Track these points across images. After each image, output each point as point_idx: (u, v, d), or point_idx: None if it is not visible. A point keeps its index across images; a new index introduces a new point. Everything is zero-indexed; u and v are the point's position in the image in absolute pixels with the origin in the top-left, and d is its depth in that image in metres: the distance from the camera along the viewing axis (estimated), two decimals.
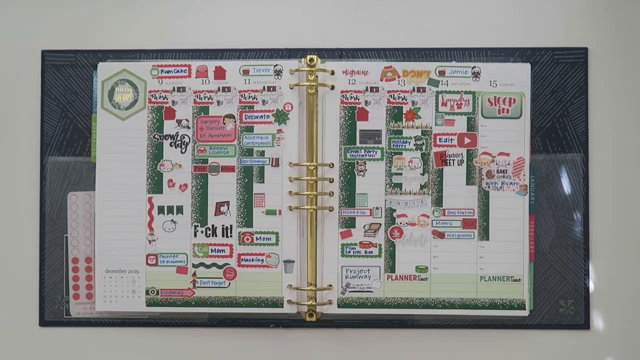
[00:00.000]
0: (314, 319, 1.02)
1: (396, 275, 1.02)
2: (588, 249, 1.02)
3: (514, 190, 1.01)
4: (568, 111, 1.03)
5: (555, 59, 1.03)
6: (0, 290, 1.05)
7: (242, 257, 1.02)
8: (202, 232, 1.02)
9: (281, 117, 1.02)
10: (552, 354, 1.03)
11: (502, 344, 1.02)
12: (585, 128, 1.03)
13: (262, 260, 1.02)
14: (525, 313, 1.01)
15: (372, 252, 1.02)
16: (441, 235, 1.01)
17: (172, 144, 1.03)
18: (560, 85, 1.03)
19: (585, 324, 1.02)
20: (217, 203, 1.02)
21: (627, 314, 1.03)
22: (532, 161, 1.02)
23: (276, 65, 1.02)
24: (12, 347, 1.05)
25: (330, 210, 1.01)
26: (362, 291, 1.02)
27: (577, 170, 1.03)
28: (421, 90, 1.02)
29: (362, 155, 1.02)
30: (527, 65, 1.02)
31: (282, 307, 1.01)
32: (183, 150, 1.03)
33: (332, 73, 1.02)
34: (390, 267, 1.02)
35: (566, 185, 1.02)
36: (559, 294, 1.02)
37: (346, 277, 1.02)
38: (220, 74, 1.03)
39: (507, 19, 1.05)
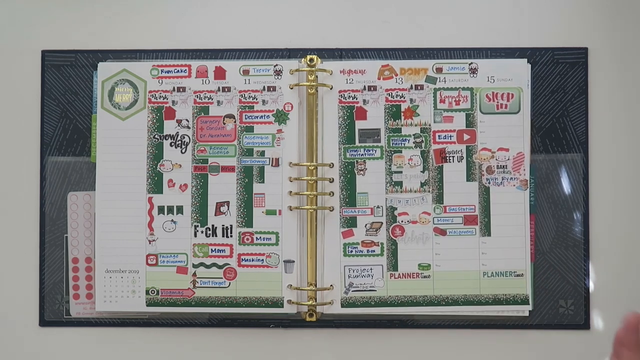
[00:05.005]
0: (314, 319, 1.02)
1: (399, 274, 1.01)
2: (588, 249, 1.02)
3: (514, 185, 1.01)
4: (568, 111, 1.03)
5: (555, 59, 1.03)
6: (0, 290, 1.05)
7: (242, 257, 1.02)
8: (202, 232, 1.02)
9: (281, 117, 1.02)
10: (552, 354, 1.03)
11: (501, 344, 1.02)
12: (585, 128, 1.03)
13: (262, 260, 1.02)
14: (529, 308, 1.01)
15: (374, 251, 1.02)
16: (443, 233, 1.01)
17: (172, 144, 1.03)
18: (560, 85, 1.03)
19: (585, 324, 1.02)
20: (217, 203, 1.02)
21: None
22: (532, 161, 1.02)
23: (276, 65, 1.03)
24: (12, 347, 1.04)
25: (331, 210, 1.01)
26: (365, 290, 1.02)
27: (577, 170, 1.03)
28: (419, 87, 1.02)
29: (362, 155, 1.02)
30: (524, 61, 1.02)
31: (282, 307, 1.01)
32: (183, 150, 1.03)
33: (331, 73, 1.02)
34: (393, 266, 1.02)
35: (566, 185, 1.02)
36: (559, 294, 1.02)
37: (349, 277, 1.02)
38: (220, 74, 1.03)
39: (506, 19, 1.05)
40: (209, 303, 1.02)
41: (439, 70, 1.02)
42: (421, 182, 1.02)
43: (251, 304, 1.02)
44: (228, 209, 1.02)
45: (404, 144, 1.02)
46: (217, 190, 1.02)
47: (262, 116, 1.02)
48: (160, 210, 1.03)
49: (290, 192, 1.02)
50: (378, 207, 1.02)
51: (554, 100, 1.03)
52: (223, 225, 1.02)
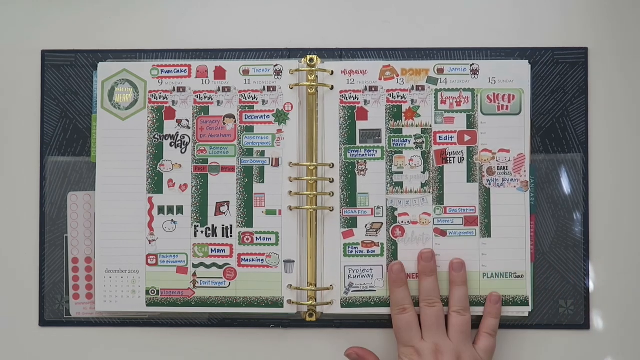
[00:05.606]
0: (314, 319, 1.02)
1: None
2: (588, 249, 1.02)
3: (515, 186, 1.01)
4: (568, 111, 1.03)
5: (555, 59, 1.03)
6: (0, 290, 1.05)
7: (242, 257, 1.02)
8: (202, 232, 1.02)
9: (281, 117, 1.02)
10: (552, 354, 1.03)
11: (501, 344, 1.02)
12: (585, 128, 1.03)
13: (262, 260, 1.02)
14: (528, 309, 1.01)
15: (374, 252, 1.02)
16: (443, 233, 1.01)
17: (172, 144, 1.03)
18: (560, 85, 1.03)
19: (585, 324, 1.02)
20: (217, 203, 1.02)
21: (627, 314, 1.03)
22: (532, 161, 1.02)
23: (276, 65, 1.02)
24: (12, 347, 1.04)
25: (331, 211, 1.01)
26: (365, 290, 1.02)
27: (577, 170, 1.03)
28: (420, 88, 1.02)
29: (363, 155, 1.02)
30: (526, 62, 1.02)
31: (282, 307, 1.01)
32: (183, 150, 1.02)
33: (332, 73, 1.02)
34: None
35: (566, 185, 1.02)
36: (559, 294, 1.02)
37: (349, 277, 1.02)
38: (220, 74, 1.03)
39: (506, 19, 1.05)
40: (209, 303, 1.02)
41: (440, 71, 1.02)
42: (422, 183, 1.02)
43: (251, 304, 1.01)
44: (228, 209, 1.02)
45: (405, 145, 1.02)
46: (217, 190, 1.02)
47: (262, 116, 1.02)
48: (160, 210, 1.03)
49: (290, 192, 1.02)
50: (378, 207, 1.02)
51: (554, 100, 1.03)
52: (223, 225, 1.02)
